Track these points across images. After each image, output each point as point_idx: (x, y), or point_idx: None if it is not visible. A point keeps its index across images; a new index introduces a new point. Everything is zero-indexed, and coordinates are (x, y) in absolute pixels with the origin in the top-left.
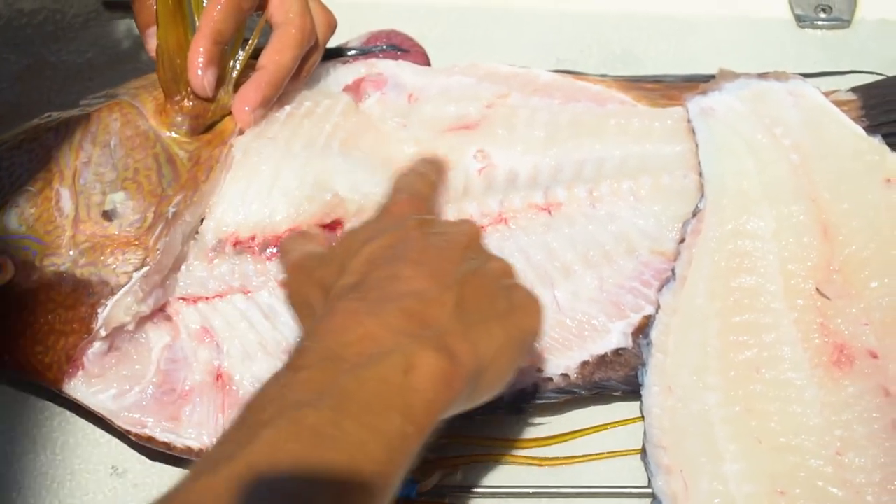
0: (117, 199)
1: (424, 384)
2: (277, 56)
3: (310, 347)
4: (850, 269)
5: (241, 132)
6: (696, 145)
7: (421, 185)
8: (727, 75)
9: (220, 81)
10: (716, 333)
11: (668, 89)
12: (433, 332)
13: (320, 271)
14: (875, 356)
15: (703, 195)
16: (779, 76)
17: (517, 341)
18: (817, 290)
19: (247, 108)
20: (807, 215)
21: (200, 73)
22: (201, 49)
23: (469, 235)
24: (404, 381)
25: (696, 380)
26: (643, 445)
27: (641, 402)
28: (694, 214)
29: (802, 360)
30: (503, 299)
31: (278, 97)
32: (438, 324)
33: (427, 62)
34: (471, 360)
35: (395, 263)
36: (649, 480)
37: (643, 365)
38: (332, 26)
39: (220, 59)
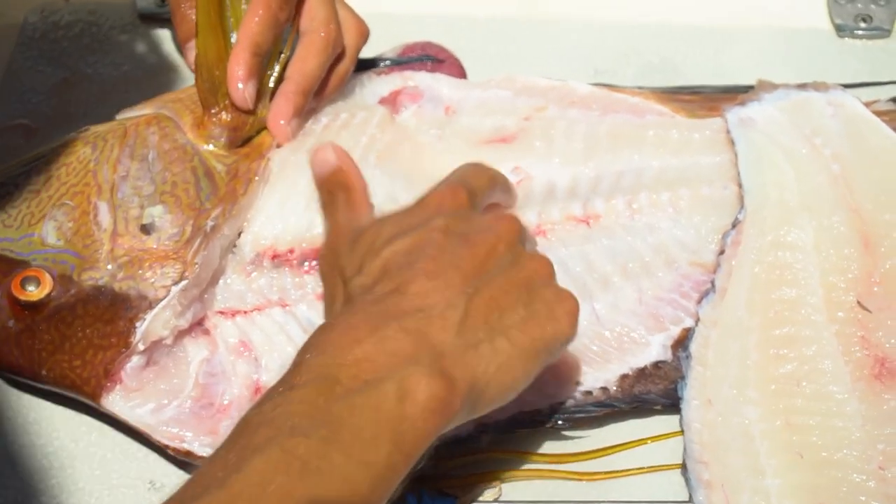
0: (155, 212)
1: (417, 413)
2: (301, 64)
3: (308, 362)
4: (891, 282)
5: (279, 145)
6: (735, 156)
7: (473, 176)
8: (766, 86)
9: (259, 94)
10: (756, 346)
11: (706, 100)
12: (431, 355)
13: (344, 259)
14: None
15: (742, 206)
16: (818, 86)
17: (528, 352)
18: (858, 302)
19: (282, 122)
20: (847, 226)
21: (241, 87)
22: (241, 61)
23: (500, 234)
24: (397, 409)
25: (737, 393)
26: (683, 460)
27: (681, 415)
28: (734, 226)
29: (843, 373)
30: (520, 307)
31: (314, 110)
32: (438, 344)
33: (463, 74)
34: (467, 384)
35: (406, 274)
36: (690, 495)
37: (682, 378)
38: (363, 35)
39: (259, 71)
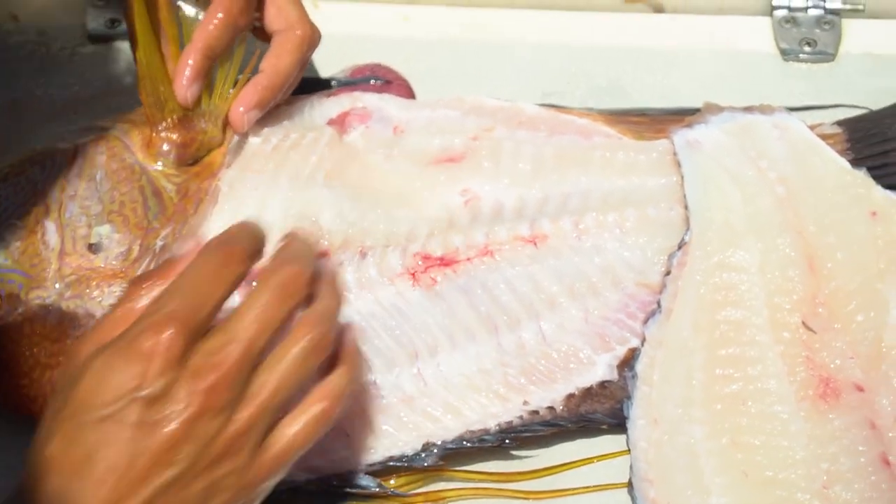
0: (103, 231)
1: None
2: (276, 60)
3: None
4: (835, 303)
5: (239, 135)
6: (682, 178)
7: (208, 284)
8: (712, 108)
9: (201, 97)
10: (701, 366)
11: (653, 122)
12: None
13: (58, 393)
14: (861, 389)
15: (688, 228)
16: (764, 109)
17: None
18: (803, 323)
19: (241, 109)
20: (793, 248)
21: (185, 84)
22: (190, 61)
23: (200, 416)
24: None
25: (682, 412)
26: (630, 479)
27: (627, 435)
28: (679, 247)
29: (788, 393)
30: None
31: (263, 131)
32: None
33: (412, 95)
34: None
35: (82, 472)
36: None
37: (629, 398)
38: (315, 40)
39: (208, 74)
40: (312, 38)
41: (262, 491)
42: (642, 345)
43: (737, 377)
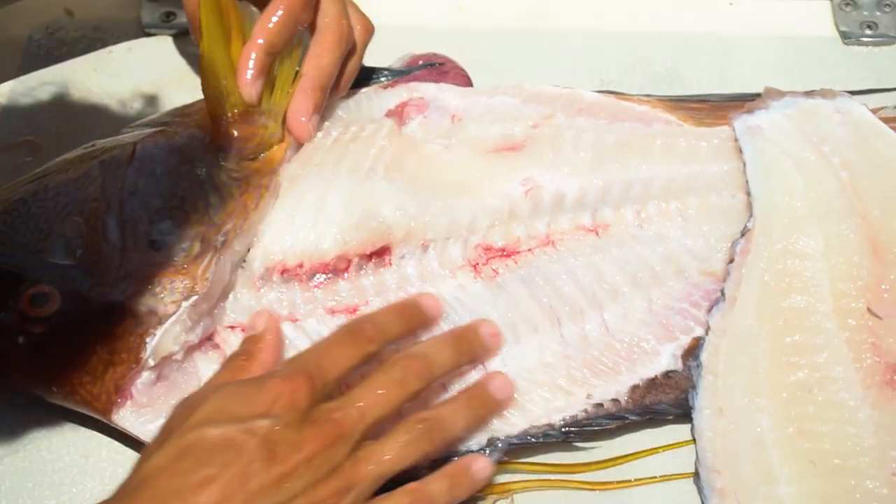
0: (164, 227)
1: None
2: (317, 60)
3: None
4: None
5: (300, 144)
6: (744, 164)
7: (340, 353)
8: (773, 93)
9: (264, 93)
10: (766, 354)
11: (713, 109)
12: None
13: (174, 416)
14: None
15: (751, 214)
16: (825, 94)
17: None
18: (868, 309)
19: (303, 119)
20: (856, 233)
21: (250, 80)
22: (253, 55)
23: (308, 456)
24: None
25: (748, 402)
26: (696, 469)
27: (693, 425)
28: (742, 234)
29: (854, 380)
30: None
31: (324, 125)
32: None
33: (469, 84)
34: None
35: (196, 478)
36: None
37: (693, 388)
38: (370, 31)
39: (269, 70)
40: (350, 34)
41: None
42: (706, 334)
43: (802, 365)
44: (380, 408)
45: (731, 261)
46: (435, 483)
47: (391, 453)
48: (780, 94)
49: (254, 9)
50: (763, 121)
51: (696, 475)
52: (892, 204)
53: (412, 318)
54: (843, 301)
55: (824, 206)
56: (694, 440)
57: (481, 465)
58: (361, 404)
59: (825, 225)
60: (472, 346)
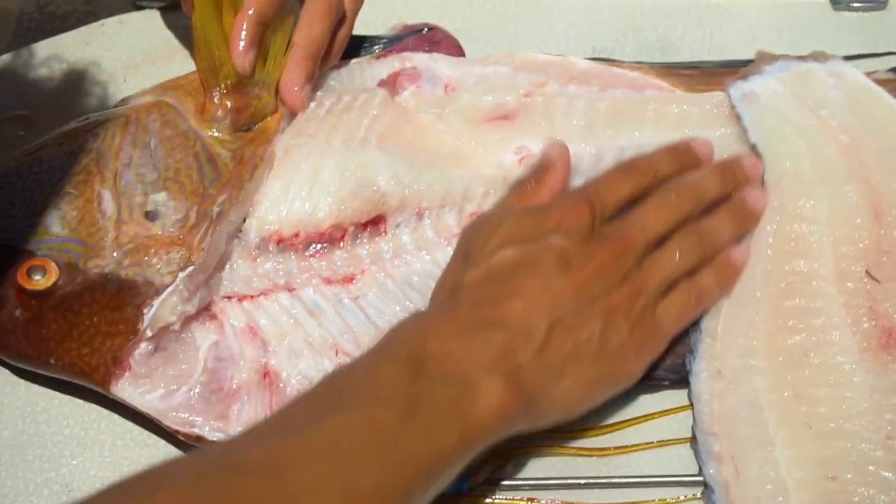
0: (159, 199)
1: (487, 415)
2: (307, 30)
3: (401, 340)
4: None
5: (293, 114)
6: (737, 130)
7: (606, 191)
8: (766, 58)
9: (257, 63)
10: (765, 317)
11: (705, 75)
12: (508, 369)
13: (470, 241)
14: None
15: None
16: (817, 57)
17: (593, 384)
18: (867, 272)
19: (296, 88)
20: (859, 196)
21: (242, 50)
22: (245, 26)
23: (600, 267)
24: (471, 408)
25: (745, 363)
26: (693, 433)
27: (690, 390)
28: None
29: (851, 344)
30: (595, 341)
31: (316, 95)
32: (516, 359)
33: (461, 54)
34: (534, 400)
35: (505, 288)
36: (700, 469)
37: (691, 353)
38: (359, 0)
39: (262, 40)
40: (340, 3)
41: (640, 366)
42: None
43: (800, 328)
44: (658, 226)
45: None
46: (706, 277)
47: (671, 260)
48: (773, 57)
49: None
50: (758, 86)
51: (694, 439)
52: (892, 167)
53: (683, 158)
54: (844, 264)
55: (828, 169)
56: (691, 405)
57: (741, 253)
58: (641, 223)
59: (830, 188)
60: (736, 175)
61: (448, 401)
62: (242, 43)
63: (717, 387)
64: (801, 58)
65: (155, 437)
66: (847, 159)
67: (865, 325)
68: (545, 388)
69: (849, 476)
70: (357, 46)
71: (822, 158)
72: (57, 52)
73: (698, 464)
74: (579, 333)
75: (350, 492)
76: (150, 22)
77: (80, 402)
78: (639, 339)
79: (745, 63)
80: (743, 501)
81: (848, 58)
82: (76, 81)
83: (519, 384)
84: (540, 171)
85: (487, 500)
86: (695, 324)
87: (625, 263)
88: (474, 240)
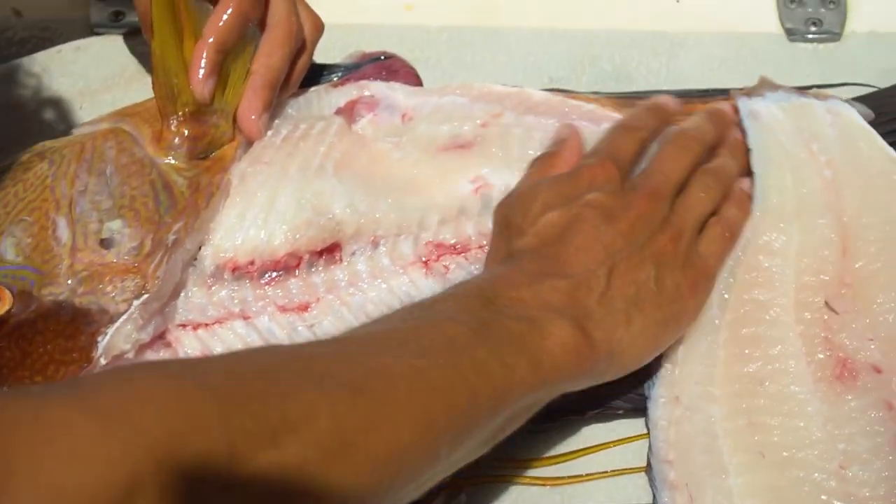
0: (114, 227)
1: (557, 351)
2: (266, 58)
3: (471, 283)
4: (860, 284)
5: (250, 142)
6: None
7: (621, 145)
8: (768, 85)
9: (216, 92)
10: (723, 344)
11: None
12: (575, 313)
13: (510, 215)
14: (879, 371)
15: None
16: (818, 94)
17: (658, 325)
18: (826, 303)
19: (253, 117)
20: (830, 230)
21: (202, 79)
22: (205, 55)
23: (640, 213)
24: (540, 342)
25: (702, 390)
26: (648, 461)
27: (647, 416)
28: None
29: (806, 373)
30: (651, 282)
31: (273, 124)
32: (582, 306)
33: (419, 83)
34: (603, 345)
35: (559, 247)
36: (654, 497)
37: (650, 378)
38: (319, 29)
39: (221, 69)
40: (300, 32)
41: (697, 304)
42: None
43: (756, 356)
44: (679, 170)
45: None
46: (730, 210)
47: (699, 199)
48: (775, 86)
49: (208, 5)
50: (761, 107)
51: (649, 467)
52: (865, 199)
53: (660, 111)
54: (803, 295)
55: (808, 203)
56: (647, 433)
57: (746, 183)
58: (663, 170)
59: (804, 221)
60: (722, 118)
61: (518, 332)
62: (202, 71)
63: (674, 413)
64: (801, 91)
65: None
66: (826, 194)
67: (820, 355)
68: (614, 333)
69: None
70: (316, 74)
71: (805, 192)
72: (13, 79)
73: (652, 491)
74: (637, 277)
75: (418, 382)
76: (107, 48)
77: None
78: (691, 277)
79: (700, 93)
80: None
81: (801, 89)
82: (33, 108)
83: (587, 328)
84: (555, 146)
85: None
86: None
87: (661, 209)
88: (513, 214)
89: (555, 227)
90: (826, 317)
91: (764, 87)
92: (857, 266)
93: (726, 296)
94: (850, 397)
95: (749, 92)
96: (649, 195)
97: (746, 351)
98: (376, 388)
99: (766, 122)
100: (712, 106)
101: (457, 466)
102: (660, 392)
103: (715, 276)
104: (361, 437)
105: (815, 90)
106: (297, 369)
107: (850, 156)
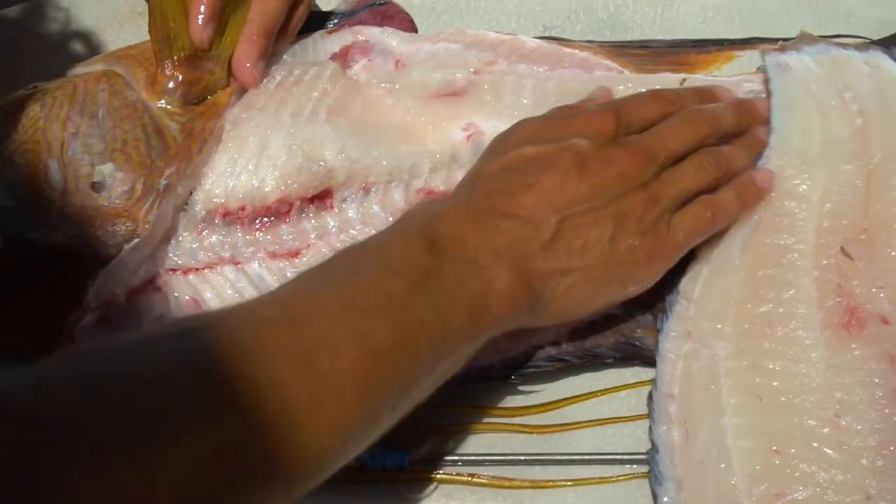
0: (106, 170)
1: (492, 298)
2: (263, 6)
3: (415, 217)
4: (876, 228)
5: (245, 90)
6: (769, 98)
7: (643, 104)
8: (807, 38)
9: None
10: (740, 284)
11: (654, 55)
12: (515, 257)
13: (495, 141)
14: (886, 322)
15: (767, 148)
16: (858, 45)
17: (599, 284)
18: (842, 248)
19: (248, 65)
20: (857, 176)
21: (201, 23)
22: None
23: (620, 171)
24: (477, 288)
25: (712, 326)
26: (650, 392)
27: (657, 348)
28: None
29: (814, 319)
30: (605, 242)
31: (268, 68)
32: (522, 249)
33: (413, 29)
34: (537, 292)
35: (517, 181)
36: (650, 428)
37: (664, 312)
38: None
39: (220, 16)
40: None
41: (650, 273)
42: (692, 261)
43: (770, 298)
44: (678, 142)
45: None
46: (725, 194)
47: (688, 174)
48: (815, 39)
49: None
50: (793, 61)
51: (650, 398)
52: (892, 148)
53: (707, 99)
54: (823, 239)
55: (834, 149)
56: (634, 383)
57: (764, 175)
58: (662, 137)
59: (830, 167)
60: (749, 112)
61: (457, 278)
62: (202, 16)
63: (684, 347)
64: (841, 43)
65: None
66: (855, 141)
67: (830, 301)
68: (550, 281)
69: (792, 451)
70: (312, 21)
71: (832, 137)
72: (6, 22)
73: (650, 423)
74: (589, 232)
75: (362, 347)
76: None
77: None
78: (650, 245)
79: (694, 43)
80: (686, 464)
81: (841, 37)
82: (25, 51)
83: (524, 273)
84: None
85: (428, 476)
86: (672, 285)
87: (643, 172)
88: (502, 137)
89: (524, 161)
90: (841, 263)
91: (801, 41)
92: (877, 209)
93: (750, 239)
94: (854, 346)
95: (784, 46)
96: (636, 154)
97: (760, 292)
98: (322, 360)
99: (795, 72)
100: (746, 99)
101: (401, 416)
102: (671, 325)
103: (680, 249)
104: (305, 412)
105: (856, 40)
106: (247, 343)
107: (884, 106)
